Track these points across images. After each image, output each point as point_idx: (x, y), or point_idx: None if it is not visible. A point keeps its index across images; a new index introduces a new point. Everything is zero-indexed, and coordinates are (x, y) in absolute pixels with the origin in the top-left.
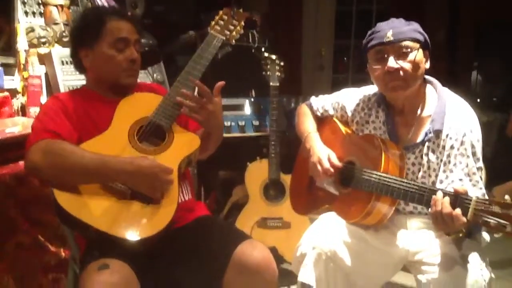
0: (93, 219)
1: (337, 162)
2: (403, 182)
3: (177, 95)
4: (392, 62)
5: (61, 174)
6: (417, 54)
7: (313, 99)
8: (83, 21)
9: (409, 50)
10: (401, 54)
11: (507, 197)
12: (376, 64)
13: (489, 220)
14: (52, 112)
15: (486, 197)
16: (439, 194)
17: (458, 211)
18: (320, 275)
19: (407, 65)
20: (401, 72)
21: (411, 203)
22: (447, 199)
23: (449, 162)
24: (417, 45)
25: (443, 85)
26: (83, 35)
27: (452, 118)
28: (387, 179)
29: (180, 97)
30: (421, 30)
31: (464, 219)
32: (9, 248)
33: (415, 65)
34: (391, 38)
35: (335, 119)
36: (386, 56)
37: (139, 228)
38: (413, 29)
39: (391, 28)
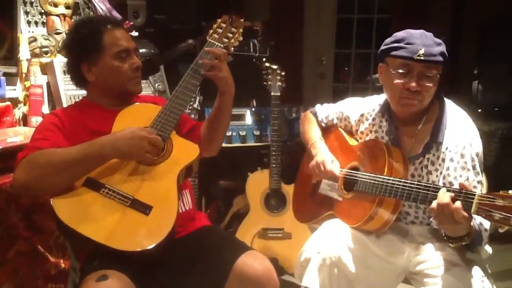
0: (91, 232)
1: (338, 174)
2: (407, 182)
3: (177, 105)
4: (415, 82)
5: (50, 176)
6: (438, 77)
7: (318, 107)
8: (78, 35)
9: (433, 73)
10: (426, 75)
11: (511, 191)
12: (397, 76)
13: (493, 214)
14: (43, 129)
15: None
16: (443, 189)
17: (458, 204)
18: (324, 280)
19: (427, 87)
20: (420, 93)
21: (415, 202)
22: (449, 193)
23: (449, 175)
24: (440, 68)
25: (444, 95)
26: (83, 51)
27: (452, 131)
28: (391, 181)
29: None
30: (445, 51)
31: (465, 213)
32: (10, 256)
33: (433, 87)
34: (422, 58)
35: (339, 128)
36: (411, 73)
37: (138, 239)
38: (442, 51)
39: (424, 45)
